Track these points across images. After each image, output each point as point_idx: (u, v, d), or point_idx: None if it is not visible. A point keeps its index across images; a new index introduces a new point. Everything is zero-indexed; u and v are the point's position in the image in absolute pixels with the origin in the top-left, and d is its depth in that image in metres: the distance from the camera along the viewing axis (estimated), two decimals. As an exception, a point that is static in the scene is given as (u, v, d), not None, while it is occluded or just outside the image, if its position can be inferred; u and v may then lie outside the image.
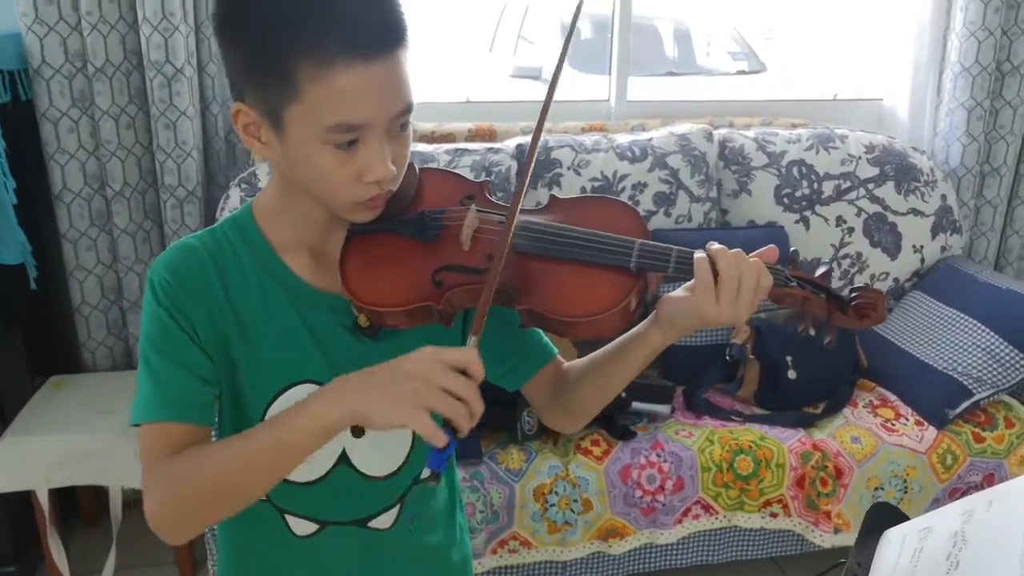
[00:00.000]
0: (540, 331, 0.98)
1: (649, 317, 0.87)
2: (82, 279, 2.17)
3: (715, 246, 0.81)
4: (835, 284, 0.86)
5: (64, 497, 2.11)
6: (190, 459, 0.82)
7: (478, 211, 0.87)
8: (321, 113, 0.76)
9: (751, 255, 0.83)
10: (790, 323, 2.08)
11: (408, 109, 0.80)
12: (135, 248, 2.17)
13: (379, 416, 0.75)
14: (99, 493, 2.27)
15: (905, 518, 0.69)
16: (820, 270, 0.87)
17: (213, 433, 0.89)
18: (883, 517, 0.69)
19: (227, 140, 2.22)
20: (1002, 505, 0.60)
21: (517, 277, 0.84)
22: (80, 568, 2.08)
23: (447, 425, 0.74)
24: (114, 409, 2.04)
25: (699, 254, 0.81)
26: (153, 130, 2.06)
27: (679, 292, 0.84)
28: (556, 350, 0.99)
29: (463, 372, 0.75)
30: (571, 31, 0.87)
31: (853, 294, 0.85)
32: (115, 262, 2.18)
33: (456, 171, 0.98)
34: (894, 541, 0.66)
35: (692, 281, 0.82)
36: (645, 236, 0.85)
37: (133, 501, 2.16)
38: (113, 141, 2.06)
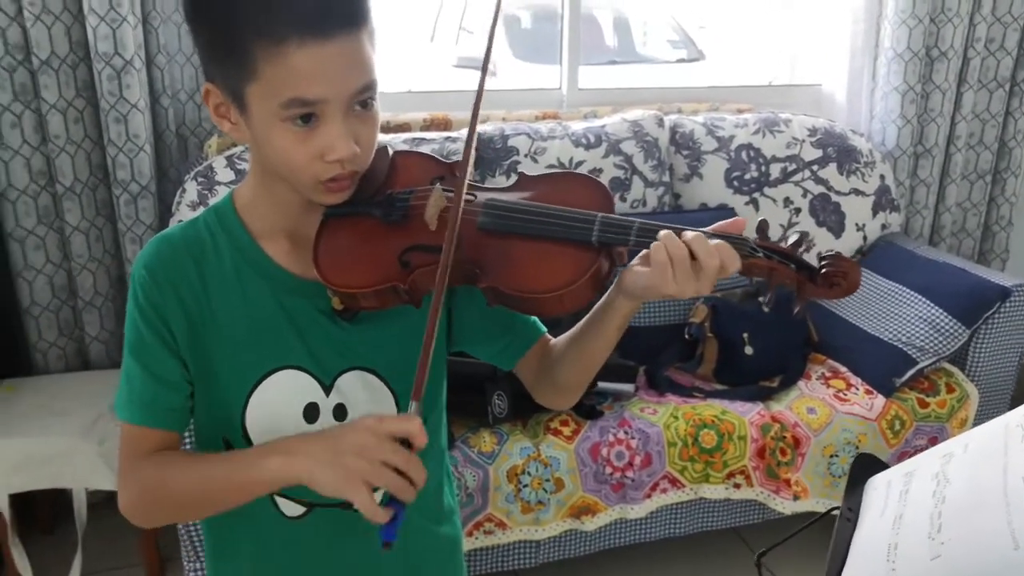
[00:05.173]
0: None
1: (613, 286, 0.86)
2: (31, 279, 2.11)
3: (664, 232, 0.80)
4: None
5: (20, 505, 2.05)
6: (159, 472, 0.87)
7: (444, 190, 0.87)
8: (277, 90, 0.77)
9: (719, 224, 0.83)
10: (746, 301, 2.15)
11: (368, 86, 0.81)
12: (88, 246, 2.12)
13: (324, 489, 0.78)
14: (56, 500, 2.21)
15: (886, 467, 0.75)
16: (792, 239, 0.82)
17: (189, 433, 0.94)
18: (867, 467, 0.75)
19: (178, 134, 2.19)
20: (977, 446, 0.66)
21: (479, 255, 0.84)
22: (41, 576, 2.03)
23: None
24: (71, 411, 1.99)
25: (662, 232, 0.80)
26: (103, 124, 2.01)
27: (639, 265, 0.82)
28: (544, 328, 1.00)
29: (406, 441, 0.76)
30: (495, 17, 0.88)
31: (823, 263, 0.81)
32: (66, 260, 2.13)
33: (429, 154, 0.98)
34: (880, 487, 0.71)
35: (647, 252, 0.81)
36: (609, 209, 0.84)
37: (94, 504, 2.11)
38: (62, 136, 2.01)
